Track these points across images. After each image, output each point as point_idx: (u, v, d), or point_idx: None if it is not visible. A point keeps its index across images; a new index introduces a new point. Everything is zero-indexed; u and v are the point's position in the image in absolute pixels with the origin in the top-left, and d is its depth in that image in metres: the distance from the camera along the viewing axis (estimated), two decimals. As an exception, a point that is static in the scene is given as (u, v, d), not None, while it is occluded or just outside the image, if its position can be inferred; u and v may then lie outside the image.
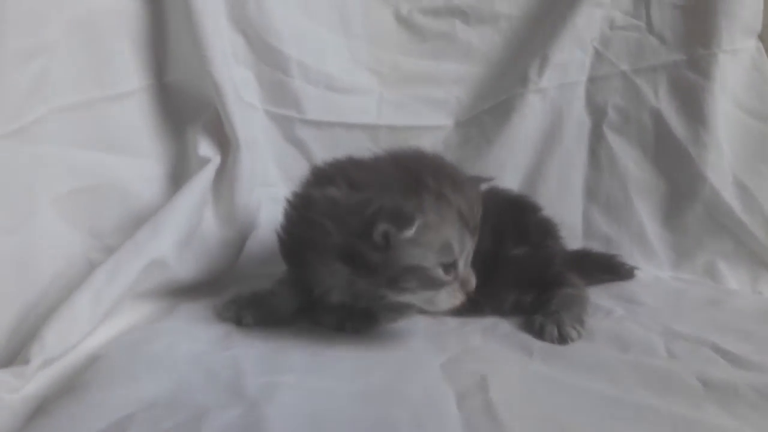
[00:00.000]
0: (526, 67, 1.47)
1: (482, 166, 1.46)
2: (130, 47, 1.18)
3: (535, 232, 1.25)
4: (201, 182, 1.15)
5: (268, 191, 1.37)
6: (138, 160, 1.20)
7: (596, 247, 1.46)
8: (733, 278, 1.42)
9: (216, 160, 1.20)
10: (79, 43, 1.10)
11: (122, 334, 0.95)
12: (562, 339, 1.06)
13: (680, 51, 1.44)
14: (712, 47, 1.40)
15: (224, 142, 1.21)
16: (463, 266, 0.98)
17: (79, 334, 0.91)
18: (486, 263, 1.08)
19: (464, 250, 0.97)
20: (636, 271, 1.42)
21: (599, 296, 1.31)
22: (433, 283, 0.94)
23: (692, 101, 1.43)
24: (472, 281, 0.98)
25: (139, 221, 1.12)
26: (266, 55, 1.36)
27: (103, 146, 1.14)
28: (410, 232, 0.88)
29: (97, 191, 1.13)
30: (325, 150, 1.41)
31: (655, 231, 1.47)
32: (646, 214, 1.48)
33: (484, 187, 1.12)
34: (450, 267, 0.95)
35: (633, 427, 0.78)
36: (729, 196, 1.41)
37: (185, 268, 1.11)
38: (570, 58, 1.47)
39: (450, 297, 0.96)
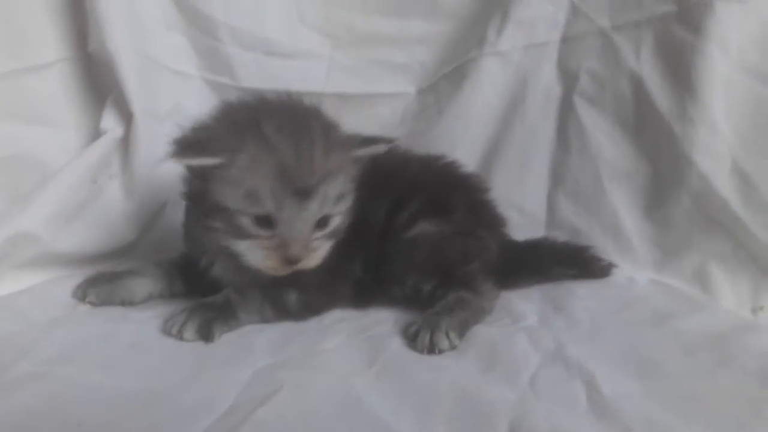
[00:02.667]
0: (485, 25, 1.26)
1: (431, 142, 1.31)
2: (47, 19, 1.20)
3: (462, 213, 1.10)
4: (88, 156, 1.15)
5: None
6: (57, 131, 1.23)
7: (561, 237, 1.25)
8: (729, 287, 1.15)
9: (115, 132, 1.19)
10: (-5, 17, 1.12)
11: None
12: (431, 349, 0.94)
13: (670, 0, 1.14)
14: (711, -7, 1.09)
15: (128, 113, 1.19)
16: (290, 230, 0.90)
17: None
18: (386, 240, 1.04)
19: (284, 208, 0.89)
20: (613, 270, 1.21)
21: (528, 296, 1.14)
22: (237, 232, 0.90)
23: (679, 65, 1.14)
24: (294, 248, 0.91)
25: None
26: (196, 21, 1.30)
27: (22, 117, 1.19)
28: (199, 161, 0.90)
29: (17, 161, 1.18)
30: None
31: (633, 223, 1.23)
32: (622, 202, 1.23)
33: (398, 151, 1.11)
34: (264, 222, 0.90)
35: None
36: (723, 185, 1.12)
37: (67, 241, 1.12)
38: (539, 14, 1.23)
39: (259, 255, 0.92)
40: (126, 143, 1.21)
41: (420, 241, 1.07)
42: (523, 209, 1.27)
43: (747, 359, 0.89)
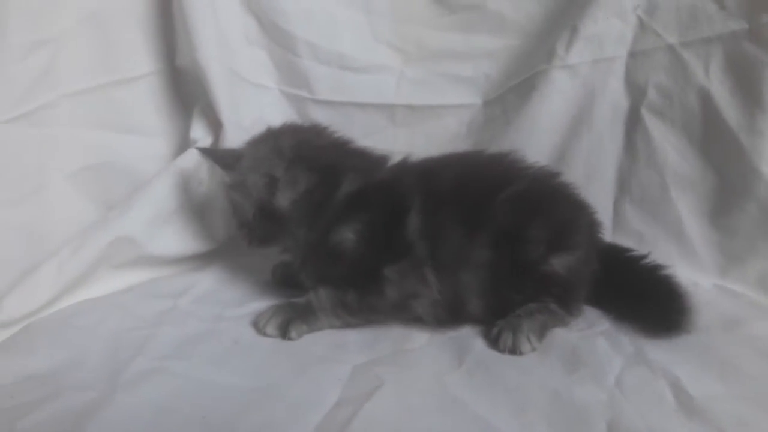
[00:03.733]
0: (555, 40, 1.31)
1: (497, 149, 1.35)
2: (138, 35, 1.27)
3: (585, 245, 1.10)
4: (179, 164, 1.22)
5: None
6: (146, 139, 1.30)
7: (626, 243, 1.28)
8: (793, 293, 1.18)
9: (205, 141, 1.26)
10: (90, 33, 1.21)
11: (74, 305, 1.06)
12: (513, 350, 1.00)
13: (741, 18, 1.18)
14: (783, 12, 1.13)
15: (217, 123, 1.26)
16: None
17: (38, 302, 1.03)
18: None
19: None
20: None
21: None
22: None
23: (750, 80, 1.17)
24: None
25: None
26: (276, 36, 1.37)
27: (113, 127, 1.27)
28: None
29: (108, 168, 1.26)
30: (340, 128, 1.40)
31: (697, 229, 1.26)
32: (687, 210, 1.26)
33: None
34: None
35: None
36: (791, 195, 1.16)
37: (160, 245, 1.20)
38: (606, 30, 1.27)
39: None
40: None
41: (552, 279, 1.07)
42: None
43: None
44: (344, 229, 1.04)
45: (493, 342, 1.02)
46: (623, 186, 1.33)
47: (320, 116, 1.42)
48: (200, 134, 1.28)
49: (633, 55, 1.28)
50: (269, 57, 1.39)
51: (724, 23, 1.20)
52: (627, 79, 1.30)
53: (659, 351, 0.98)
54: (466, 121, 1.43)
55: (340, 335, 1.03)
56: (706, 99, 1.23)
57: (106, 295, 1.11)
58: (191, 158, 1.24)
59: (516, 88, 1.36)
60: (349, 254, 1.03)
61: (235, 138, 1.26)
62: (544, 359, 0.98)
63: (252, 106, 1.36)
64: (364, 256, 1.03)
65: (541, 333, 1.03)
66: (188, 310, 1.09)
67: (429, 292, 1.03)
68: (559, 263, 1.05)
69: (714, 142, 1.23)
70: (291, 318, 1.03)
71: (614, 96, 1.31)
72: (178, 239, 1.23)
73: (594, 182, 1.33)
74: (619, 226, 1.33)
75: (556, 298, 1.07)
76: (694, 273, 1.25)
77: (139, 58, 1.28)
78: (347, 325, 1.06)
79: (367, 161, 1.13)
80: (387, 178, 1.10)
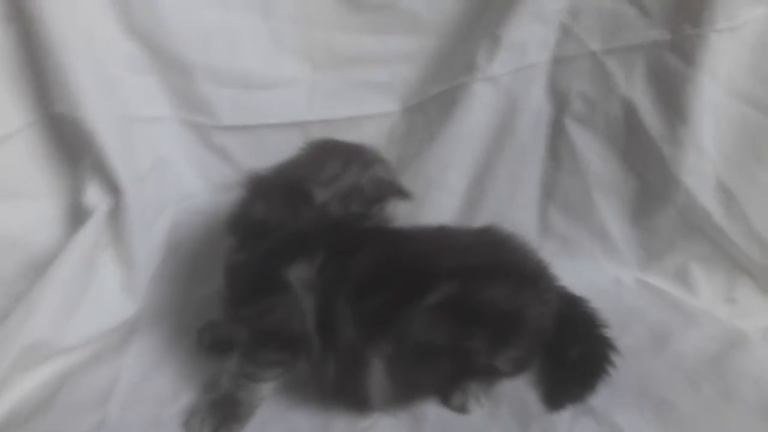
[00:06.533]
0: (475, 48, 1.23)
1: (423, 164, 1.30)
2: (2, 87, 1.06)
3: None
4: (80, 245, 1.08)
5: (187, 204, 1.29)
6: (31, 203, 1.13)
7: (552, 246, 1.31)
8: (707, 283, 1.26)
9: (103, 206, 1.12)
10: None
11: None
12: (464, 409, 1.02)
13: (664, 28, 1.14)
14: (703, 25, 1.10)
15: (112, 182, 1.11)
16: None
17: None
18: None
19: None
20: (594, 273, 1.30)
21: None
22: None
23: (671, 92, 1.17)
24: None
25: (40, 265, 1.09)
26: (165, 62, 1.19)
27: (-10, 195, 1.07)
28: None
29: (-6, 242, 1.08)
30: (252, 154, 1.28)
31: (620, 230, 1.30)
32: (610, 213, 1.29)
33: None
34: None
35: None
36: (708, 201, 1.20)
37: (75, 335, 1.08)
38: (529, 36, 1.20)
39: None
40: (115, 214, 1.13)
41: (496, 374, 1.02)
42: (516, 222, 1.29)
43: (746, 390, 1.02)
44: None
45: (445, 400, 1.03)
46: (548, 192, 1.32)
47: (229, 144, 1.29)
48: (95, 198, 1.12)
49: (556, 61, 1.23)
50: (160, 83, 1.21)
51: (646, 32, 1.16)
52: (550, 86, 1.26)
53: (599, 394, 1.02)
54: (386, 131, 1.34)
55: (288, 425, 0.99)
56: (628, 108, 1.21)
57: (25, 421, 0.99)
58: (94, 230, 1.09)
59: (437, 99, 1.29)
60: None
61: (135, 195, 1.12)
62: (497, 418, 1.00)
63: (148, 145, 1.21)
64: None
65: (489, 387, 1.04)
66: (122, 421, 0.99)
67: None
68: (503, 361, 0.97)
69: (636, 150, 1.24)
70: (223, 418, 0.97)
71: (537, 104, 1.27)
72: (88, 324, 1.11)
73: (518, 190, 1.32)
74: (545, 231, 1.34)
75: None
76: (617, 269, 1.31)
77: (7, 111, 1.07)
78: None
79: None
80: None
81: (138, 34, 1.16)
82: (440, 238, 1.05)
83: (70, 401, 1.01)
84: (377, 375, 0.93)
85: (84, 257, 1.10)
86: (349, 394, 0.96)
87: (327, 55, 1.29)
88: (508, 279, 0.99)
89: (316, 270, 0.92)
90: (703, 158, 1.19)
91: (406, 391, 0.98)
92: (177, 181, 1.28)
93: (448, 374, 0.99)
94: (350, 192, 0.97)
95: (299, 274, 0.92)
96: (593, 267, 1.31)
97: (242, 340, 0.97)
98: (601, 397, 1.02)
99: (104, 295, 1.14)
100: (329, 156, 1.01)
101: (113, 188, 1.12)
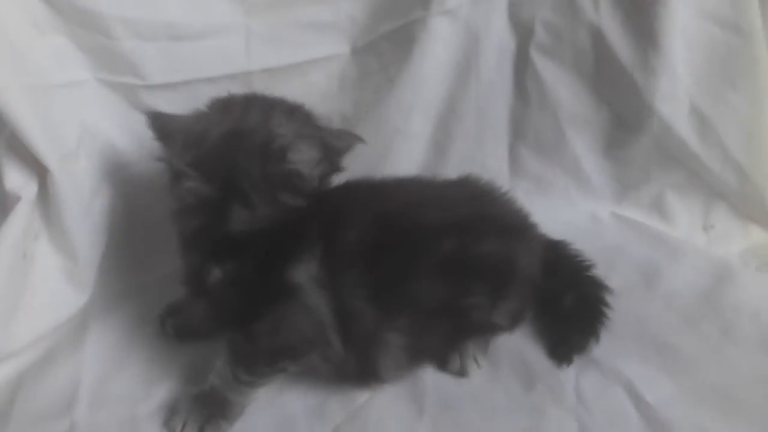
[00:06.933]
0: (428, -22, 1.11)
1: (383, 113, 1.20)
2: None
3: None
4: (7, 237, 0.93)
5: (125, 175, 1.14)
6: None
7: (525, 186, 1.26)
8: (683, 211, 1.25)
9: (29, 192, 0.97)
10: None
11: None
12: (463, 372, 0.96)
13: (629, -54, 1.07)
14: (672, -62, 1.03)
15: (35, 161, 0.96)
16: None
17: None
18: None
19: None
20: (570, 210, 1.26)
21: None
22: None
23: (640, 15, 1.10)
24: None
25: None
26: (77, 18, 1.02)
27: None
28: None
29: None
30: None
31: (594, 164, 1.25)
32: (582, 147, 1.24)
33: None
34: None
35: None
36: (682, 128, 1.16)
37: (22, 336, 0.95)
38: (487, -39, 1.10)
39: None
40: (44, 198, 0.99)
41: (495, 329, 0.99)
42: (486, 165, 1.24)
43: (745, 326, 1.01)
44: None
45: (442, 366, 0.97)
46: (517, 131, 1.25)
47: (161, 104, 1.13)
48: (18, 182, 0.97)
49: (516, -11, 1.13)
50: (73, 43, 1.04)
51: (611, -50, 1.08)
52: (512, 17, 1.16)
53: (599, 345, 0.99)
54: (336, 76, 1.22)
55: (281, 410, 0.91)
56: (597, 35, 1.14)
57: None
58: (22, 219, 0.95)
59: (390, 37, 1.16)
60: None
61: (66, 175, 0.98)
62: (499, 380, 0.95)
63: (70, 115, 1.04)
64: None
65: (486, 347, 0.99)
66: (93, 425, 0.88)
67: (333, 356, 0.88)
68: (499, 315, 0.94)
69: (607, 79, 1.18)
70: (208, 418, 0.87)
71: (500, 37, 1.17)
72: (32, 323, 0.97)
73: (486, 130, 1.24)
74: (517, 172, 1.27)
75: None
76: (592, 205, 1.28)
77: None
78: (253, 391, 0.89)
79: None
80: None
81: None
82: (421, 193, 0.98)
83: (30, 410, 0.89)
84: (394, 350, 0.88)
85: (15, 250, 0.95)
86: (364, 374, 0.90)
87: (262, -6, 1.14)
88: (497, 231, 0.94)
89: (319, 261, 0.84)
90: (677, 84, 1.14)
91: (414, 360, 0.93)
92: (110, 151, 1.13)
93: (448, 336, 0.93)
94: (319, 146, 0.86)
95: (306, 272, 0.83)
96: (568, 204, 1.27)
97: (237, 347, 0.87)
98: (602, 348, 0.98)
99: (47, 289, 1.00)
100: (253, 109, 0.89)
101: (37, 169, 0.97)
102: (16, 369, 0.95)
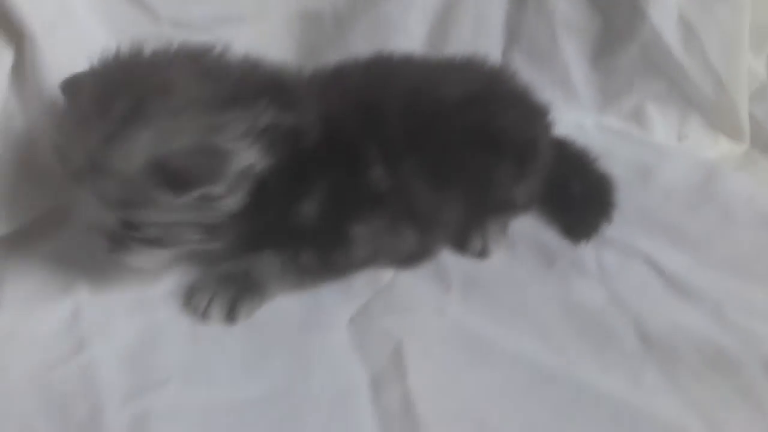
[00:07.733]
0: None
1: (381, 10, 1.15)
2: None
3: None
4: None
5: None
6: None
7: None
8: (661, 121, 1.30)
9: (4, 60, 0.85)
10: None
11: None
12: (484, 253, 0.95)
13: None
14: None
15: (16, 30, 0.85)
16: None
17: None
18: None
19: None
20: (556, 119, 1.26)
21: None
22: None
23: None
24: None
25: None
26: None
27: None
28: None
29: None
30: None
31: (581, 73, 1.27)
32: (573, 54, 1.25)
33: None
34: None
35: (566, 422, 0.69)
36: (670, 36, 1.20)
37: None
38: None
39: None
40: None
41: (513, 207, 1.01)
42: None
43: (742, 210, 1.06)
44: (305, 202, 0.81)
45: (463, 249, 0.96)
46: (512, 35, 1.24)
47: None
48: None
49: None
50: None
51: None
52: None
53: (610, 227, 1.01)
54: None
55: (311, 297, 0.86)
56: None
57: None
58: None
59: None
60: (311, 223, 0.82)
61: (49, 44, 0.87)
62: (519, 258, 0.96)
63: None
64: (327, 220, 0.82)
65: (505, 228, 1.00)
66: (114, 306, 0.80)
67: (405, 246, 0.88)
68: (520, 192, 0.96)
69: (603, -15, 1.19)
70: (238, 294, 0.81)
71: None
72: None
73: (482, 35, 1.22)
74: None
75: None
76: (577, 115, 1.29)
77: None
78: (299, 289, 0.86)
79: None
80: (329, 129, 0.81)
81: None
82: (430, 70, 0.97)
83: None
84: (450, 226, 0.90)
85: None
86: (418, 254, 0.90)
87: None
88: (519, 108, 0.94)
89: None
90: (667, -10, 1.17)
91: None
92: (87, 38, 1.01)
93: (472, 213, 0.92)
94: None
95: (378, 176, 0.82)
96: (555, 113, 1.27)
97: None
98: (615, 229, 1.00)
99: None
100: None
101: (13, 33, 0.85)
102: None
